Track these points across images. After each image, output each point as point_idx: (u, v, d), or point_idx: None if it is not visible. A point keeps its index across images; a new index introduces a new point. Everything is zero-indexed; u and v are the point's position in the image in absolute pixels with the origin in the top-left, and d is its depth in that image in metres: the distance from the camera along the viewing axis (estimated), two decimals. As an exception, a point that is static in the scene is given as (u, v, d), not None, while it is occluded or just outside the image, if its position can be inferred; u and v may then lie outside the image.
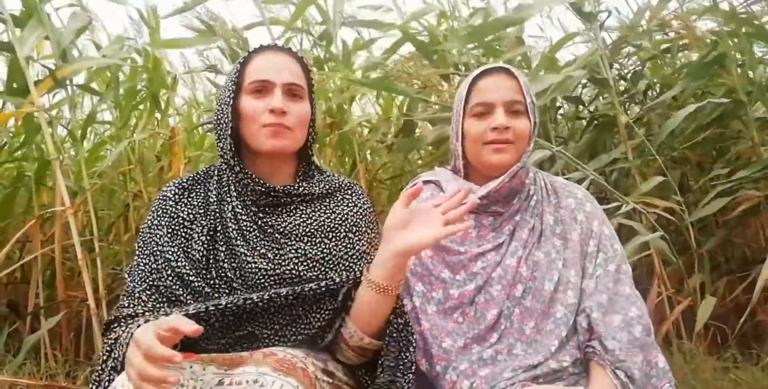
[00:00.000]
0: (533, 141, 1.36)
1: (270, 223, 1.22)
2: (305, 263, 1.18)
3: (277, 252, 1.19)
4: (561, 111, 3.26)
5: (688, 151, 2.80)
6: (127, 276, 1.21)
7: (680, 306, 2.38)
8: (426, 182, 1.46)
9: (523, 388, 1.16)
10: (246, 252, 1.17)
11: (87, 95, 2.98)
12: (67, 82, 2.34)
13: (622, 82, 2.99)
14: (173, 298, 1.13)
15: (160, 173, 2.92)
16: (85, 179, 2.49)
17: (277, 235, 1.20)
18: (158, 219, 1.22)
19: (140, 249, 1.21)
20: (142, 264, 1.18)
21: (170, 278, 1.15)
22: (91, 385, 1.06)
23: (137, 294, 1.15)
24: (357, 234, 1.25)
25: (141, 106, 2.98)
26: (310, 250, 1.20)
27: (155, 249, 1.18)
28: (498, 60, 2.58)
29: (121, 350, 1.01)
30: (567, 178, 2.28)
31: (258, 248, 1.18)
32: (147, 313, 1.11)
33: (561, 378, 1.25)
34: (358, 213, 1.28)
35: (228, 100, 1.21)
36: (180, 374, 0.94)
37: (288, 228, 1.22)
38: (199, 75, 3.36)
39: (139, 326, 0.98)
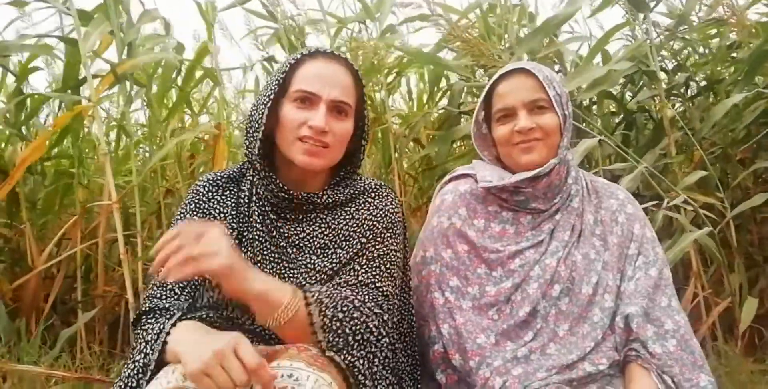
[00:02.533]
0: (567, 134, 1.34)
1: (285, 234, 1.19)
2: (313, 277, 1.16)
3: (285, 266, 1.17)
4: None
5: (729, 148, 2.76)
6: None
7: (719, 306, 2.34)
8: (462, 175, 1.45)
9: None
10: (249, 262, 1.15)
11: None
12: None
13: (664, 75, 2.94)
14: (201, 290, 1.16)
15: (195, 170, 2.93)
16: (133, 174, 2.50)
17: (288, 250, 1.18)
18: (190, 213, 1.22)
19: None
20: None
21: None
22: (121, 376, 1.05)
23: (169, 285, 1.16)
24: (372, 237, 1.20)
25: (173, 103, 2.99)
26: (320, 263, 1.18)
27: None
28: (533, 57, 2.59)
29: (156, 346, 1.02)
30: (610, 170, 2.32)
31: (265, 263, 1.17)
32: (181, 309, 1.11)
33: (595, 380, 1.24)
34: (378, 215, 1.23)
35: (267, 100, 1.16)
36: None
37: (304, 239, 1.20)
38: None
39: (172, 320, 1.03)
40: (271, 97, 1.16)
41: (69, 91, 2.40)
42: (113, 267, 2.98)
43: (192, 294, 1.17)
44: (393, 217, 1.24)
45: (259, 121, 1.16)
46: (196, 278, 1.15)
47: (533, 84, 1.32)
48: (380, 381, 1.12)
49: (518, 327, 1.28)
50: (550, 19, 2.38)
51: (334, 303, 1.06)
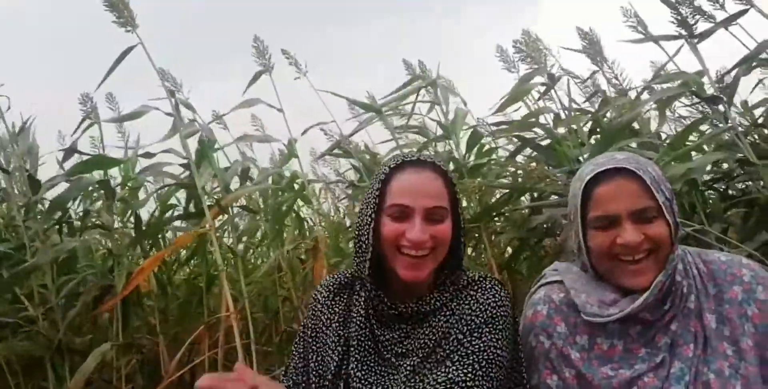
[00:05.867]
0: (678, 242, 1.17)
1: (389, 343, 1.20)
2: (412, 379, 1.14)
3: (388, 373, 1.18)
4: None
5: None
6: (283, 374, 1.32)
7: None
8: (553, 282, 1.31)
9: None
10: (352, 374, 1.17)
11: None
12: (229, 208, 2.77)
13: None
14: None
15: (305, 279, 3.17)
16: (243, 287, 2.77)
17: (393, 359, 1.18)
18: (308, 320, 1.30)
19: (295, 348, 1.29)
20: (294, 363, 1.27)
21: (311, 384, 1.23)
22: None
23: None
24: (468, 332, 1.15)
25: (287, 221, 3.35)
26: (420, 364, 1.15)
27: (302, 351, 1.28)
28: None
29: None
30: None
31: (369, 372, 1.18)
32: None
33: None
34: (478, 309, 1.18)
35: (369, 218, 1.19)
36: None
37: (407, 345, 1.19)
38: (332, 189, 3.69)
39: None
40: (371, 215, 1.19)
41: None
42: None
43: None
44: (495, 311, 1.17)
45: (366, 242, 1.19)
46: None
47: (639, 189, 1.13)
48: None
49: None
50: (615, 124, 2.40)
51: None
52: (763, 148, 2.68)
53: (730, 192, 2.88)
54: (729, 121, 2.49)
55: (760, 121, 2.80)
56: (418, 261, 1.15)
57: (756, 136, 2.72)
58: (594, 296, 1.18)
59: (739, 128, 2.49)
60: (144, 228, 2.99)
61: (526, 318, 1.29)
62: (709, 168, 2.75)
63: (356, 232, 1.25)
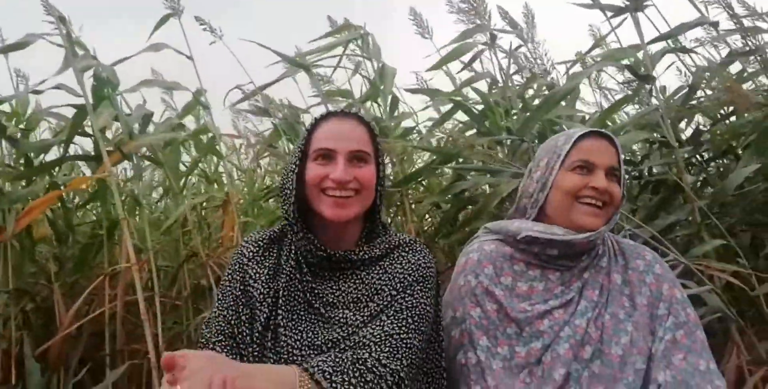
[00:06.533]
0: (620, 208, 1.38)
1: (320, 294, 1.24)
2: (346, 331, 1.19)
3: (320, 325, 1.21)
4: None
5: (760, 215, 2.63)
6: (204, 326, 1.27)
7: (754, 376, 2.20)
8: (484, 240, 1.46)
9: None
10: (281, 324, 1.19)
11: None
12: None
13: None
14: (244, 353, 1.19)
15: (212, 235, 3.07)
16: (148, 238, 2.62)
17: (322, 309, 1.22)
18: (234, 274, 1.28)
19: (218, 302, 1.26)
20: (218, 316, 1.23)
21: (240, 335, 1.21)
22: None
23: (211, 346, 1.20)
24: (402, 290, 1.22)
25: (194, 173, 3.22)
26: (352, 317, 1.20)
27: (231, 303, 1.24)
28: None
29: None
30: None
31: (300, 322, 1.21)
32: None
33: None
34: (410, 268, 1.25)
35: (294, 166, 1.24)
36: None
37: (338, 296, 1.24)
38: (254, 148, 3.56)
39: None
40: (296, 162, 1.24)
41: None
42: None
43: (235, 354, 1.21)
44: (425, 271, 1.26)
45: (290, 187, 1.23)
46: None
47: (614, 152, 1.37)
48: None
49: None
50: (549, 96, 2.42)
51: (343, 369, 1.06)
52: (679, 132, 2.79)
53: (644, 175, 2.95)
54: (657, 102, 2.53)
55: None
56: (344, 200, 1.20)
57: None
58: (538, 227, 1.37)
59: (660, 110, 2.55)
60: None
61: (458, 265, 1.44)
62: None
63: (282, 180, 1.29)
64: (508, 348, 1.30)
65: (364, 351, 1.12)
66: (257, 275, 1.26)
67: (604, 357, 1.27)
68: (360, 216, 1.28)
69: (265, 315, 1.21)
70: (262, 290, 1.23)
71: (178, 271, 3.00)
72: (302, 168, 1.24)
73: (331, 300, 1.23)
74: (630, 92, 2.79)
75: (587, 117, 3.00)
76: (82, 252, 3.02)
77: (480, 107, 2.89)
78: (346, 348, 1.16)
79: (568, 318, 1.31)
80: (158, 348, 2.56)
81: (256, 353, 1.19)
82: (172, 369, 0.93)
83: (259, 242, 1.31)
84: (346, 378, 1.05)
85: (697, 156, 2.84)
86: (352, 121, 1.27)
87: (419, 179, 3.01)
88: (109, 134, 2.84)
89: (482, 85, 3.02)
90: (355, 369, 1.07)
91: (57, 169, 3.04)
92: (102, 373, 2.79)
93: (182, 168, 3.23)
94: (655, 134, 2.64)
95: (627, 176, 2.97)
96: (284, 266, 1.26)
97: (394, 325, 1.16)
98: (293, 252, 1.27)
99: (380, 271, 1.25)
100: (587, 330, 1.29)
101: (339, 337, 1.18)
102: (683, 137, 2.88)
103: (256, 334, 1.20)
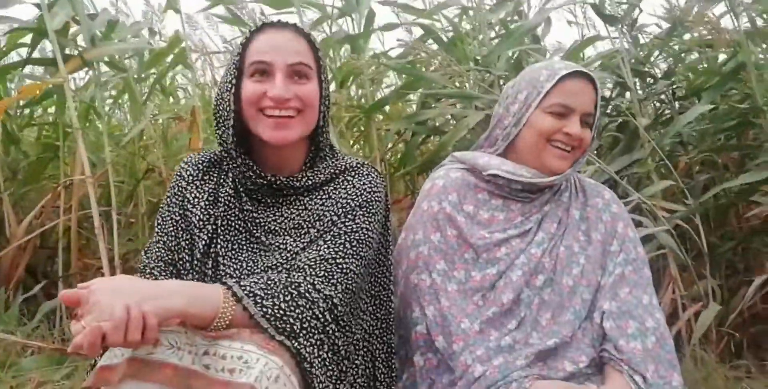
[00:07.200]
0: (587, 153, 1.40)
1: (261, 222, 1.18)
2: (285, 257, 1.15)
3: (260, 253, 1.17)
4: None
5: (714, 154, 2.73)
6: (143, 252, 1.22)
7: (689, 310, 2.35)
8: (450, 167, 1.46)
9: (535, 381, 1.17)
10: (221, 253, 1.15)
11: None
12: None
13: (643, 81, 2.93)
14: (185, 280, 1.14)
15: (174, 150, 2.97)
16: (106, 151, 2.52)
17: (263, 237, 1.17)
18: (173, 197, 1.21)
19: (158, 227, 1.20)
20: (158, 242, 1.19)
21: (180, 261, 1.17)
22: None
23: (149, 271, 1.17)
24: (342, 214, 1.17)
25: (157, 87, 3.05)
26: (292, 243, 1.16)
27: (170, 229, 1.18)
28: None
29: None
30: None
31: (240, 251, 1.17)
32: None
33: (575, 377, 1.25)
34: (354, 193, 1.19)
35: (229, 84, 1.14)
36: (174, 336, 0.93)
37: (280, 223, 1.18)
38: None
39: None
40: (232, 80, 1.13)
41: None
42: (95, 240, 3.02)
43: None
44: (370, 196, 1.19)
45: (227, 108, 1.13)
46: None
47: (593, 96, 1.34)
48: (331, 367, 1.06)
49: (503, 315, 1.29)
50: (515, 29, 2.40)
51: (274, 292, 1.02)
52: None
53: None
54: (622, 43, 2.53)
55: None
56: (284, 121, 1.12)
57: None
58: (505, 166, 1.36)
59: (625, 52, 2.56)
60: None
61: (423, 190, 1.44)
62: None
63: (215, 101, 1.18)
64: (464, 273, 1.33)
65: (299, 274, 1.07)
66: (196, 200, 1.19)
67: (555, 285, 1.32)
68: (304, 139, 1.20)
69: (204, 243, 1.16)
70: (201, 216, 1.17)
71: (136, 188, 2.92)
72: (238, 87, 1.14)
73: (272, 227, 1.18)
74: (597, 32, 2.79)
75: (550, 54, 2.98)
76: (35, 163, 2.90)
77: (451, 35, 2.83)
78: (283, 270, 1.12)
79: (525, 247, 1.34)
80: (113, 263, 2.54)
81: (196, 280, 1.15)
82: (77, 305, 0.87)
83: (199, 164, 1.23)
84: (277, 302, 1.01)
85: (664, 95, 2.88)
86: (290, 31, 1.16)
87: (386, 105, 2.96)
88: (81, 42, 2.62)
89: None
90: (287, 293, 1.03)
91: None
92: (56, 289, 2.76)
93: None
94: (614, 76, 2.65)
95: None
96: (222, 193, 1.19)
97: (331, 250, 1.11)
98: (231, 179, 1.19)
99: (324, 197, 1.19)
100: (541, 260, 1.33)
101: (278, 263, 1.14)
102: (658, 73, 2.91)
103: (196, 261, 1.15)
